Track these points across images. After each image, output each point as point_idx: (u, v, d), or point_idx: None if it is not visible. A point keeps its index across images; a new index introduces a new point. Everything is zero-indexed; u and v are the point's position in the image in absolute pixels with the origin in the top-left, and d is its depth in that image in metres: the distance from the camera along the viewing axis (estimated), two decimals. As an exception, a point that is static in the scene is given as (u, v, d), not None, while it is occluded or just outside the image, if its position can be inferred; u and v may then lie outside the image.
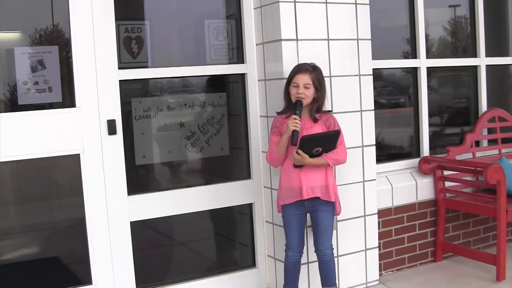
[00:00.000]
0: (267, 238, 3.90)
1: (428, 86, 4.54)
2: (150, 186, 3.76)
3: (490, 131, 4.74)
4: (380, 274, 4.07)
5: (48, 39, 3.33)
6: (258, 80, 3.82)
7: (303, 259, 3.50)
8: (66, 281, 3.42)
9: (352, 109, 3.77)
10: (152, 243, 3.85)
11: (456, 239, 4.51)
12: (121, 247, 3.44)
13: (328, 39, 3.66)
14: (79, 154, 3.32)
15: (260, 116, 3.84)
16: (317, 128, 3.26)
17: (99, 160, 3.35)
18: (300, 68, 3.27)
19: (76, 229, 3.47)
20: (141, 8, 3.72)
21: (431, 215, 4.36)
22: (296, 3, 3.55)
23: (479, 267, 4.14)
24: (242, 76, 3.83)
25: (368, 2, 3.79)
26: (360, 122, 3.81)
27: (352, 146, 3.69)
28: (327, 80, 3.49)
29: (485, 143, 4.80)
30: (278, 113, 3.38)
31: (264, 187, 3.87)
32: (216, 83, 3.88)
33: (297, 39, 3.56)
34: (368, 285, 3.93)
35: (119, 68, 3.41)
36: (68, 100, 3.34)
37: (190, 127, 3.75)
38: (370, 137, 3.86)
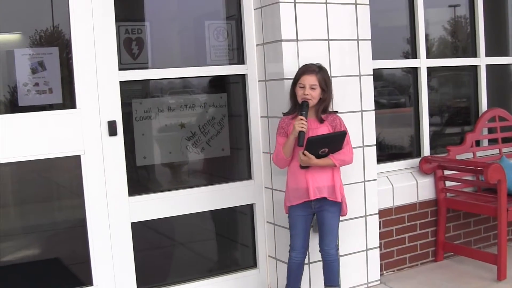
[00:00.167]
0: (268, 239, 3.90)
1: (428, 86, 4.54)
2: (151, 187, 3.75)
3: (491, 130, 4.74)
4: (381, 274, 4.07)
5: (48, 40, 3.32)
6: (259, 81, 3.82)
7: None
8: (67, 283, 3.43)
9: (353, 109, 3.77)
10: (153, 244, 3.84)
11: (457, 238, 4.51)
12: (122, 248, 3.44)
13: (328, 40, 3.66)
14: (79, 155, 3.31)
15: (261, 117, 3.83)
16: (324, 129, 3.26)
17: (99, 161, 3.35)
18: (306, 69, 3.25)
19: (77, 230, 3.46)
20: (141, 9, 3.72)
21: (432, 215, 4.35)
22: (296, 4, 3.55)
23: (480, 266, 4.14)
24: (243, 77, 3.83)
25: (368, 2, 3.79)
26: (361, 122, 3.80)
27: (353, 146, 3.66)
28: (327, 80, 3.50)
29: (485, 142, 4.80)
30: (284, 114, 3.37)
31: (265, 187, 3.86)
32: (216, 83, 3.88)
33: (297, 40, 3.56)
34: (369, 285, 3.93)
35: (120, 69, 3.41)
36: (68, 101, 3.34)
37: (190, 128, 3.75)
38: (371, 137, 3.86)
